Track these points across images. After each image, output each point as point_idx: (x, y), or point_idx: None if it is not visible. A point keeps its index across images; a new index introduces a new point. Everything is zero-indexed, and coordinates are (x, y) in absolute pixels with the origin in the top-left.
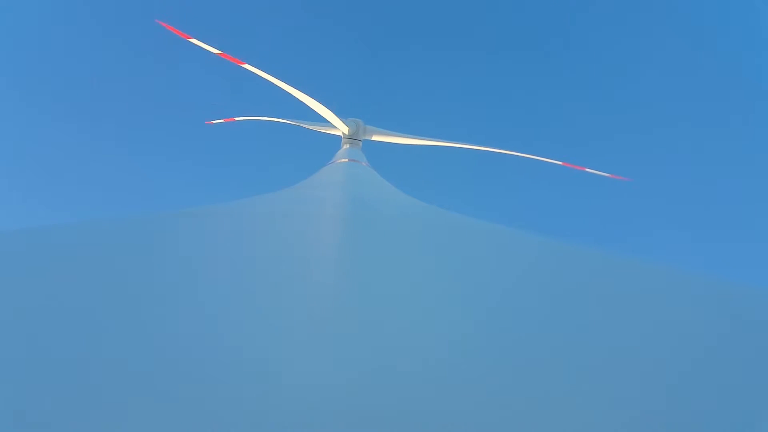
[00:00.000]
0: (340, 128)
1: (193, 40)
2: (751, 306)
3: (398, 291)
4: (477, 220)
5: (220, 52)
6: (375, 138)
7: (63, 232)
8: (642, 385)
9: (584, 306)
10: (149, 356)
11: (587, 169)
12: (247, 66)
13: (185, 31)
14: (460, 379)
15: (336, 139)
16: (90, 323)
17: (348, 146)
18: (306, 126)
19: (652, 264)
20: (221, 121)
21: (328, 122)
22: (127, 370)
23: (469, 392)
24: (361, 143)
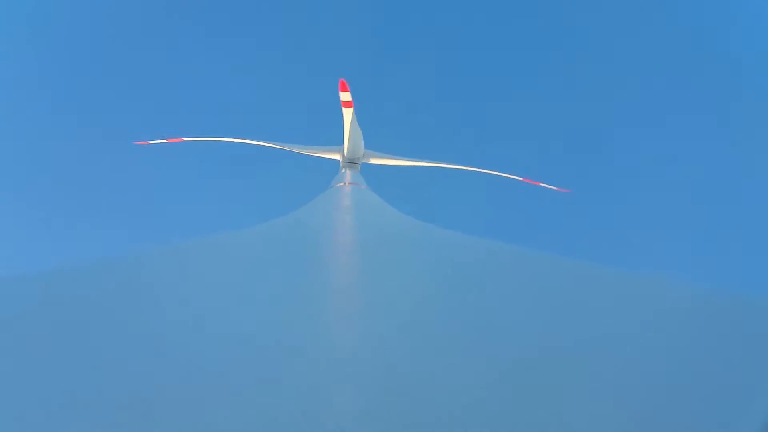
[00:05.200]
0: (333, 155)
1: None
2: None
3: (404, 317)
4: (480, 239)
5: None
6: (373, 161)
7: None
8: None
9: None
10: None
11: (542, 184)
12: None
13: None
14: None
15: (333, 164)
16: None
17: (346, 170)
18: (297, 150)
19: (635, 273)
20: (163, 141)
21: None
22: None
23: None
24: (359, 166)
